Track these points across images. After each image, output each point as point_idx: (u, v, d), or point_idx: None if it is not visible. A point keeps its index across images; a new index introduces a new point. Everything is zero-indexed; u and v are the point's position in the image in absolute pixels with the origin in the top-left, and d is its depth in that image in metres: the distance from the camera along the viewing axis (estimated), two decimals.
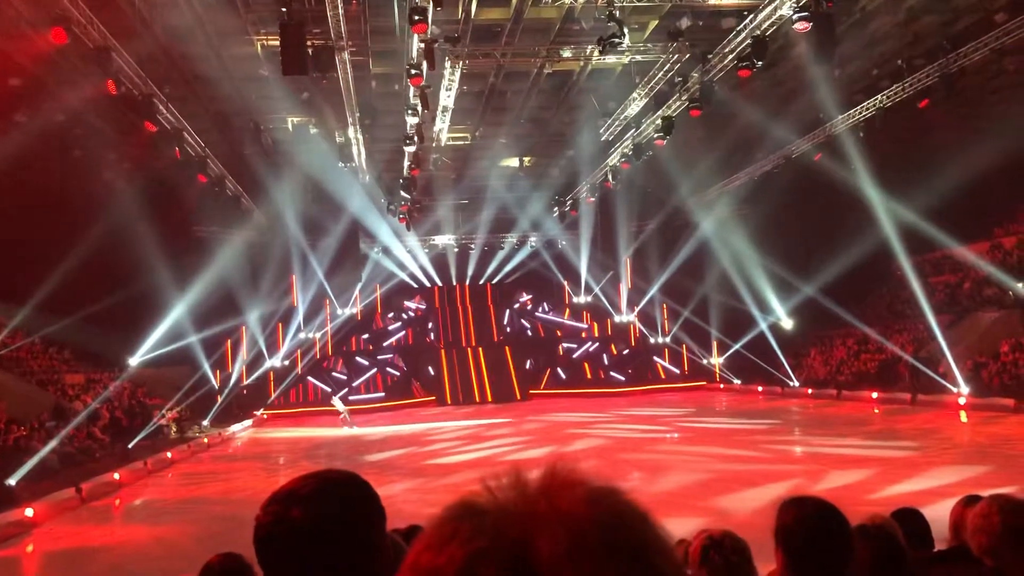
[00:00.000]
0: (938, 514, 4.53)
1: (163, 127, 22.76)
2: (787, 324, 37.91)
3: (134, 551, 12.65)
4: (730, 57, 21.23)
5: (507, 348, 42.01)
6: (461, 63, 22.14)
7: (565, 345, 43.25)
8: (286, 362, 38.71)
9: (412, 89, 21.21)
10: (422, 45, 18.92)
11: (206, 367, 33.96)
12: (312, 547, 1.31)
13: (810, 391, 33.81)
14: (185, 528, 13.86)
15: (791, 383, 35.42)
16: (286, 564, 1.35)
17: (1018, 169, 31.04)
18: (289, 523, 1.35)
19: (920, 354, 30.42)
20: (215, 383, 34.60)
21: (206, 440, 27.25)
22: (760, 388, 36.58)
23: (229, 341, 36.36)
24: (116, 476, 19.34)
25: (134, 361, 30.62)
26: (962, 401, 26.20)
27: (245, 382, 36.55)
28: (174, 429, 27.97)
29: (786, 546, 2.18)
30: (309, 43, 18.71)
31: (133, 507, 17.28)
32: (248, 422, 32.78)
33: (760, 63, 20.13)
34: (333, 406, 14.04)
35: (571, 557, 0.54)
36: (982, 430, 22.07)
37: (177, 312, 31.25)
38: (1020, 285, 29.58)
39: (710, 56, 21.89)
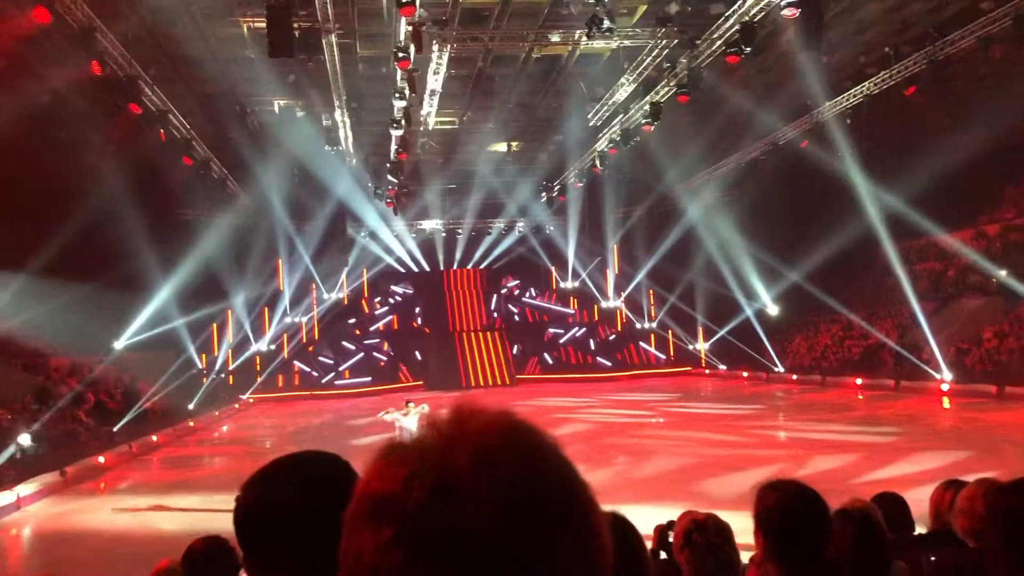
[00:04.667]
0: (920, 498, 4.58)
1: (148, 109, 22.58)
2: (772, 310, 38.09)
3: (119, 534, 12.64)
4: (718, 43, 21.21)
5: (494, 333, 42.06)
6: (449, 46, 22.03)
7: (552, 330, 43.32)
8: (272, 346, 38.61)
9: (399, 72, 21.11)
10: (410, 28, 18.81)
11: (192, 351, 33.83)
12: (292, 526, 1.31)
13: (795, 377, 34.03)
14: (170, 511, 13.87)
15: (776, 369, 35.62)
16: (266, 544, 1.36)
17: (1002, 157, 31.21)
18: (269, 502, 1.36)
19: (904, 340, 30.63)
20: (201, 367, 34.48)
21: (191, 424, 27.22)
22: (745, 374, 36.81)
23: (215, 325, 36.21)
24: (101, 459, 19.31)
25: (119, 345, 30.46)
26: (945, 387, 26.44)
27: (231, 366, 36.44)
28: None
29: (765, 529, 2.21)
30: (296, 25, 18.57)
31: (118, 490, 17.24)
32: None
33: (748, 49, 20.11)
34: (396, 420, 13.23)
35: (481, 463, 0.67)
36: (964, 416, 22.29)
37: (162, 296, 31.08)
38: (1003, 272, 29.79)
39: (698, 42, 21.85)
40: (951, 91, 25.74)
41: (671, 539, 3.08)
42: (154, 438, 23.50)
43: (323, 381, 38.28)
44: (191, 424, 27.27)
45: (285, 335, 39.32)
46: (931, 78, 23.14)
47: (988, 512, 2.05)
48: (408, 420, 15.36)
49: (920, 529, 4.53)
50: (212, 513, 11.43)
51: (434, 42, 21.43)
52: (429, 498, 0.65)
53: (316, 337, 40.79)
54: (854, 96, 26.14)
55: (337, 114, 27.67)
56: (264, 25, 18.24)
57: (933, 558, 3.51)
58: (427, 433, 0.71)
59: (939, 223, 31.30)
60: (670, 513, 3.87)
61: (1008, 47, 21.74)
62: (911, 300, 29.72)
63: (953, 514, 3.66)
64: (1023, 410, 21.76)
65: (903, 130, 29.76)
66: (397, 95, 22.64)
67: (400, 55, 19.69)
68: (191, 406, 29.84)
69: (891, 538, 3.39)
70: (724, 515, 2.92)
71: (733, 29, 20.27)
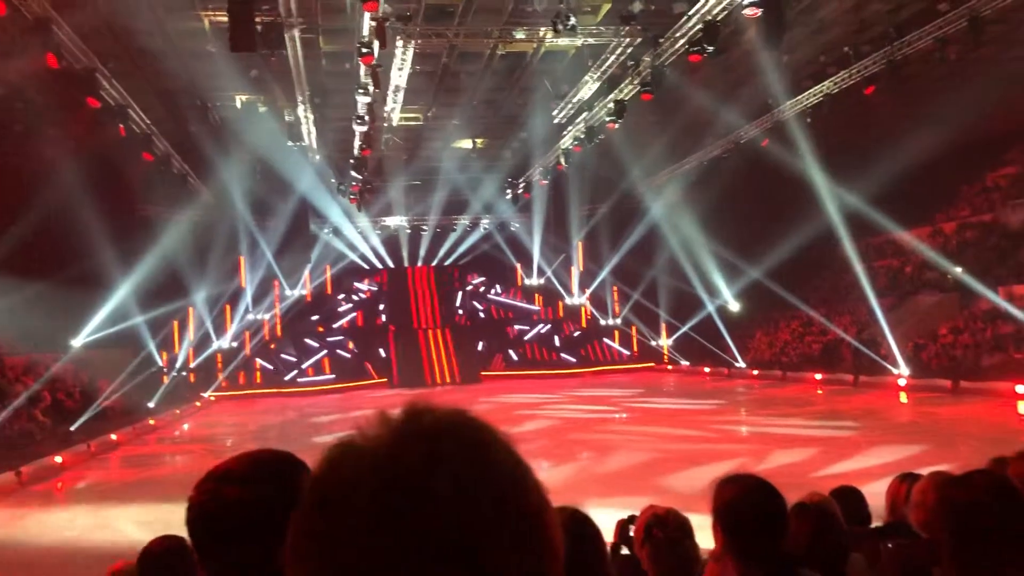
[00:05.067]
0: (877, 492, 4.66)
1: (107, 103, 22.19)
2: (734, 307, 38.51)
3: (75, 535, 12.44)
4: (681, 42, 21.35)
5: (459, 330, 41.99)
6: (413, 42, 21.92)
7: (517, 327, 43.36)
8: (234, 343, 38.20)
9: (363, 68, 20.95)
10: (373, 23, 18.67)
11: (152, 348, 33.36)
12: (246, 525, 1.31)
13: (755, 372, 34.45)
14: (128, 511, 13.68)
15: (737, 364, 36.02)
16: (219, 542, 1.35)
17: (959, 156, 31.85)
18: (223, 500, 1.35)
19: (862, 336, 31.13)
20: (161, 364, 34.03)
21: (152, 422, 26.87)
22: (707, 369, 37.17)
23: (175, 322, 35.74)
24: (58, 459, 18.97)
25: (78, 343, 29.95)
26: (902, 382, 26.91)
27: (192, 364, 36.01)
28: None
29: (723, 523, 2.24)
30: (258, 19, 18.35)
31: (76, 490, 16.98)
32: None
33: (711, 48, 20.26)
34: None
35: (430, 461, 0.67)
36: (920, 410, 22.71)
37: (122, 293, 30.60)
38: (959, 269, 30.39)
39: (661, 40, 21.97)
40: (909, 91, 26.17)
41: (632, 534, 3.10)
42: (113, 437, 23.14)
43: (286, 378, 37.96)
44: (151, 422, 26.92)
45: (247, 332, 38.93)
46: (889, 78, 23.51)
47: (937, 505, 2.10)
48: None
49: (877, 522, 4.62)
50: (172, 512, 11.27)
51: (398, 38, 21.31)
52: (378, 497, 0.65)
53: (279, 334, 40.43)
54: (814, 95, 26.47)
55: (300, 109, 27.42)
56: (226, 19, 18.00)
57: (891, 544, 3.58)
58: (379, 431, 0.71)
59: (897, 221, 31.87)
60: (633, 508, 3.90)
61: (964, 48, 22.16)
62: (869, 296, 30.21)
63: (908, 507, 3.73)
64: (977, 404, 22.24)
65: (862, 129, 30.23)
66: (361, 91, 22.48)
67: (364, 51, 19.54)
68: (151, 404, 29.45)
69: (848, 531, 3.45)
70: (686, 509, 2.95)
71: (696, 28, 20.42)
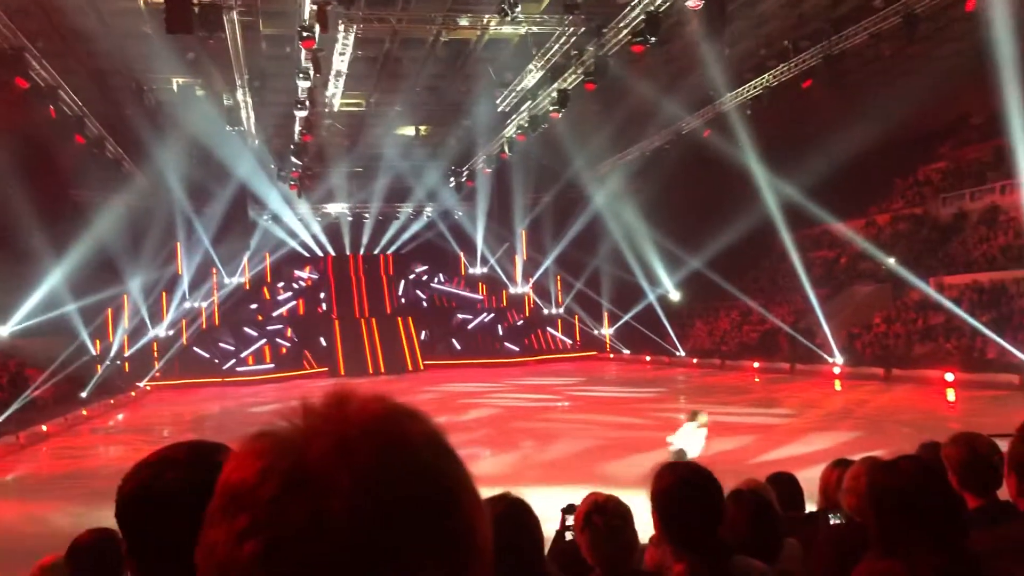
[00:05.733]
0: (812, 477, 4.75)
1: (36, 84, 21.51)
2: (674, 296, 39.03)
3: (3, 529, 12.08)
4: (625, 32, 21.47)
5: (401, 319, 41.76)
6: (355, 27, 21.65)
7: (460, 316, 43.31)
8: (171, 332, 37.43)
9: (304, 52, 20.63)
10: (314, 7, 18.40)
11: (85, 337, 32.50)
12: (170, 516, 1.27)
13: (695, 360, 34.98)
14: (60, 504, 13.31)
15: (677, 353, 36.54)
16: (153, 528, 1.31)
17: (893, 150, 32.70)
18: (161, 487, 1.32)
19: (799, 325, 31.81)
20: (95, 353, 33.19)
21: (85, 412, 26.22)
22: (648, 358, 37.62)
23: (110, 310, 34.85)
24: None
25: (6, 331, 29.05)
26: (837, 370, 27.59)
27: (127, 352, 35.19)
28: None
29: (660, 509, 2.26)
30: (195, 0, 17.93)
31: (3, 483, 16.50)
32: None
33: (653, 39, 20.41)
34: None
35: (337, 453, 0.64)
36: (854, 397, 23.29)
37: (53, 280, 29.72)
38: (892, 260, 31.20)
39: (605, 30, 22.08)
40: (845, 86, 26.74)
41: (571, 521, 3.12)
42: (44, 428, 22.53)
43: (224, 368, 37.33)
44: (84, 413, 26.27)
45: (184, 320, 38.18)
46: (826, 72, 23.96)
47: (867, 489, 2.15)
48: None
49: (812, 507, 4.72)
50: (106, 505, 11.02)
51: (340, 22, 21.02)
52: (282, 490, 0.63)
53: (216, 323, 39.74)
54: (754, 88, 26.86)
55: (239, 93, 26.90)
56: None
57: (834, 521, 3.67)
58: (289, 422, 0.68)
59: (832, 213, 32.57)
60: (575, 495, 3.92)
61: (898, 44, 22.71)
62: (806, 287, 30.86)
63: (841, 492, 3.81)
64: (908, 391, 22.91)
65: (800, 123, 30.79)
66: (301, 75, 22.13)
67: (304, 34, 19.24)
68: (84, 394, 28.72)
69: (783, 517, 3.52)
70: (627, 496, 2.97)
71: (639, 19, 20.54)
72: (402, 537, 0.63)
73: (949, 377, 23.21)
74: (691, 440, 11.28)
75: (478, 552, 0.67)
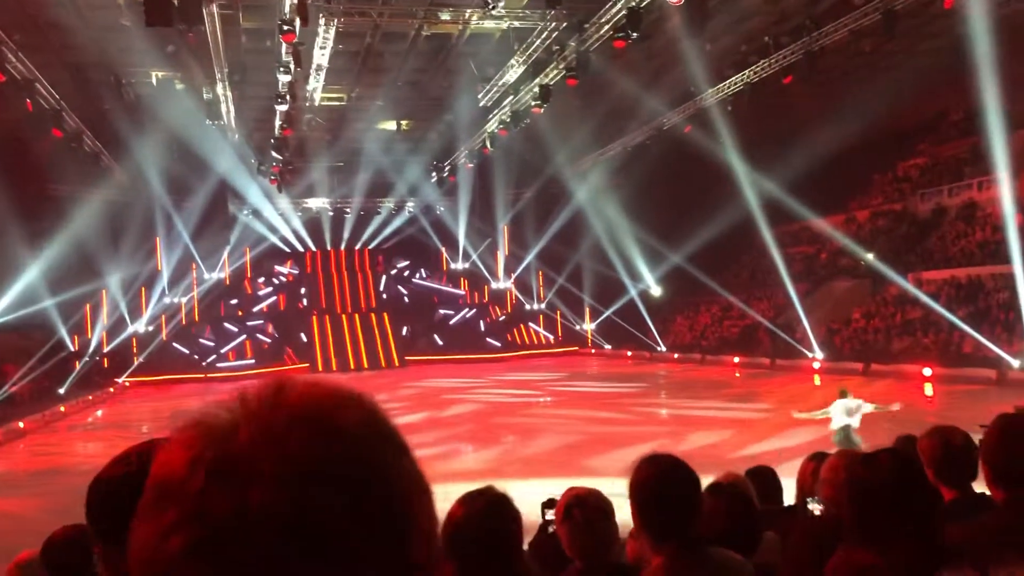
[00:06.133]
0: (791, 471, 4.79)
1: (12, 76, 21.24)
2: (656, 291, 39.16)
3: None
4: (606, 27, 21.49)
5: (383, 314, 41.66)
6: (336, 20, 21.52)
7: (442, 311, 43.24)
8: (150, 328, 37.16)
9: (284, 46, 20.50)
10: (295, 0, 18.30)
11: (63, 332, 32.22)
12: (135, 497, 1.27)
13: (676, 355, 35.12)
14: (36, 501, 13.21)
15: (658, 348, 36.68)
16: (113, 527, 1.31)
17: (872, 146, 32.92)
18: (120, 477, 1.31)
19: (779, 321, 32.01)
20: (73, 349, 32.90)
21: (63, 408, 26.01)
22: (629, 353, 37.74)
23: (88, 305, 34.57)
24: None
25: None
26: (816, 365, 27.78)
27: (106, 348, 34.90)
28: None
29: (639, 502, 2.27)
30: None
31: None
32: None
33: (635, 35, 20.45)
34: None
35: (264, 441, 0.62)
36: (834, 392, 23.37)
37: (31, 275, 29.41)
38: (871, 256, 31.44)
39: (587, 25, 22.08)
40: (825, 82, 26.89)
41: (552, 515, 3.12)
42: (21, 424, 22.33)
43: (204, 363, 37.08)
44: (62, 409, 26.04)
45: (164, 316, 37.94)
46: (807, 68, 24.06)
47: (844, 482, 2.17)
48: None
49: (789, 501, 4.75)
50: (82, 503, 10.93)
51: (320, 15, 20.91)
52: (209, 480, 0.61)
53: (196, 318, 39.45)
54: (735, 84, 26.93)
55: (219, 87, 26.70)
56: None
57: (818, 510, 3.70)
58: (220, 411, 0.66)
59: (812, 208, 32.77)
60: (556, 490, 3.93)
61: (877, 41, 22.86)
62: (786, 282, 31.02)
63: (818, 484, 3.84)
64: (887, 385, 23.07)
65: (781, 119, 30.93)
66: (282, 69, 22.00)
67: (285, 28, 19.11)
68: (62, 390, 28.50)
69: (762, 510, 3.54)
70: (607, 490, 2.98)
71: (620, 14, 20.57)
72: (330, 524, 0.61)
73: (927, 372, 23.43)
74: (850, 414, 12.54)
75: (422, 535, 0.66)
